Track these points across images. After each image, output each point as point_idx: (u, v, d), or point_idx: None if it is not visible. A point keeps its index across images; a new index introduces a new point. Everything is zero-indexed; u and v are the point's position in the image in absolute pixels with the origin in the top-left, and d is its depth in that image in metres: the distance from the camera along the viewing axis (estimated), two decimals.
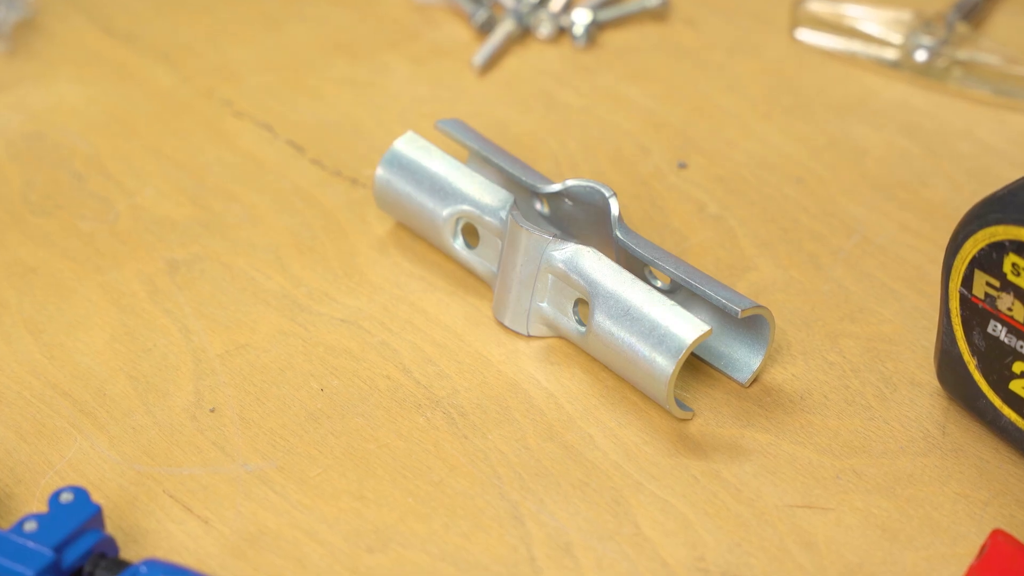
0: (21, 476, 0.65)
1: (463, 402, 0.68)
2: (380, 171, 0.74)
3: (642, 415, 0.67)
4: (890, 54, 0.86)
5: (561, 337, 0.70)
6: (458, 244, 0.73)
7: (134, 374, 0.69)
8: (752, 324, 0.68)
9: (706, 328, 0.65)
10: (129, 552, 0.62)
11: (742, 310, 0.66)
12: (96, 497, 0.63)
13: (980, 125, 0.82)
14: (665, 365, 0.65)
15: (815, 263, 0.74)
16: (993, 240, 0.61)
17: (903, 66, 0.86)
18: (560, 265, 0.69)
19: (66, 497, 0.60)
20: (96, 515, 0.60)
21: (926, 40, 0.85)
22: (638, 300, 0.67)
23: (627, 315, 0.66)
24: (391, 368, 0.69)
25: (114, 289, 0.73)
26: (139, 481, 0.65)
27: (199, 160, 0.81)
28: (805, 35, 0.88)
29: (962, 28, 0.86)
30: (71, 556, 0.59)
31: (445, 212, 0.73)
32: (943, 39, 0.85)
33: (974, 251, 0.62)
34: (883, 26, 0.86)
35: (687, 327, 0.65)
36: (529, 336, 0.70)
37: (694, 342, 0.65)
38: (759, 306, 0.67)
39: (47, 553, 0.58)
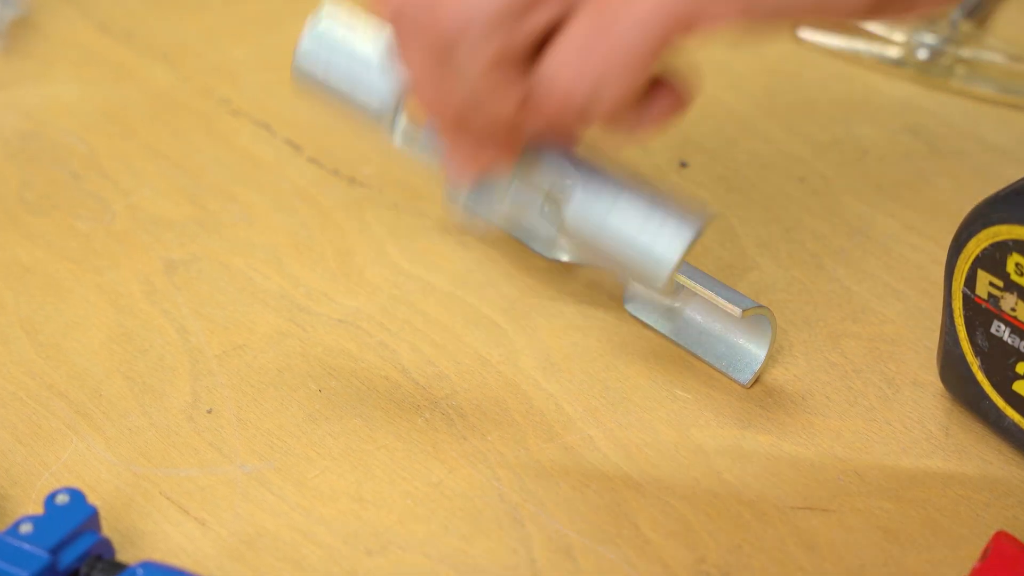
0: (17, 478, 0.64)
1: (462, 403, 0.67)
2: (306, 44, 0.64)
3: (642, 416, 0.67)
4: (893, 52, 0.86)
5: (522, 235, 0.64)
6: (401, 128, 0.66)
7: (131, 375, 0.69)
8: (753, 324, 0.68)
9: (711, 212, 0.60)
10: (126, 554, 0.61)
11: (743, 310, 0.66)
12: (92, 499, 0.63)
13: (984, 124, 0.82)
14: (673, 239, 0.59)
15: (817, 263, 0.74)
16: (996, 240, 0.61)
17: (906, 64, 0.85)
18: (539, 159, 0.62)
19: (62, 499, 0.60)
20: (92, 517, 0.60)
21: (929, 38, 0.85)
22: (630, 183, 0.60)
23: (619, 196, 0.60)
24: (390, 369, 0.69)
25: (111, 289, 0.73)
26: (136, 483, 0.64)
27: (196, 159, 0.80)
28: (807, 33, 0.88)
29: (966, 26, 0.85)
30: (67, 558, 0.59)
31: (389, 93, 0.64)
32: (947, 37, 0.85)
33: (977, 251, 0.62)
34: (885, 24, 0.86)
35: (693, 207, 0.60)
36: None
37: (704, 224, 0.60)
38: (760, 306, 0.66)
39: (43, 555, 0.58)
